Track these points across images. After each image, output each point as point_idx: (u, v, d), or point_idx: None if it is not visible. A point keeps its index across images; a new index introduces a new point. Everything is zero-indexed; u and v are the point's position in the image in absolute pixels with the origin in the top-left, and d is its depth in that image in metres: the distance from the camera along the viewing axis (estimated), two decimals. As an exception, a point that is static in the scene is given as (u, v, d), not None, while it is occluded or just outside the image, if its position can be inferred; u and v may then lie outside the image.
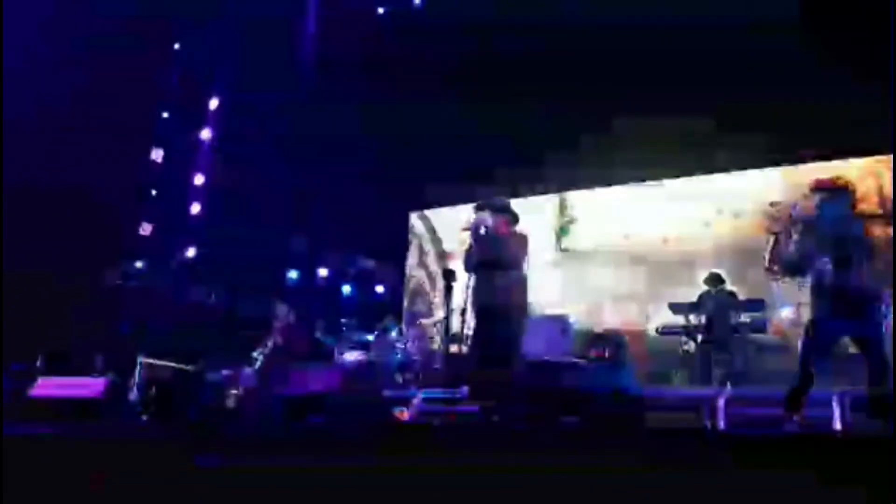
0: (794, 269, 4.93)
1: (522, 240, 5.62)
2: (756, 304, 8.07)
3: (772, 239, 4.93)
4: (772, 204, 5.26)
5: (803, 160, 8.47)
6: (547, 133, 9.06)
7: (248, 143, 9.57)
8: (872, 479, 2.48)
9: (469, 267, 5.59)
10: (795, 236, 4.85)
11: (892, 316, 6.12)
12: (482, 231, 5.55)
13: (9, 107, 8.30)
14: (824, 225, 4.75)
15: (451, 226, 10.27)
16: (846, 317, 4.61)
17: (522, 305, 5.53)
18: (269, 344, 7.19)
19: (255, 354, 7.17)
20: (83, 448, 3.76)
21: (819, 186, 4.90)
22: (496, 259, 5.47)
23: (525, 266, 5.62)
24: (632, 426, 4.47)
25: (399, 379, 8.08)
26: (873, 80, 7.33)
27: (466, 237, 5.63)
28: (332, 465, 3.14)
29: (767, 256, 4.94)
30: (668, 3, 8.08)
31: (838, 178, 5.04)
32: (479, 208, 5.66)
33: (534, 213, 9.12)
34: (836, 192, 4.83)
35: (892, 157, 8.30)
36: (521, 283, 5.55)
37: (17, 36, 8.50)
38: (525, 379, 5.07)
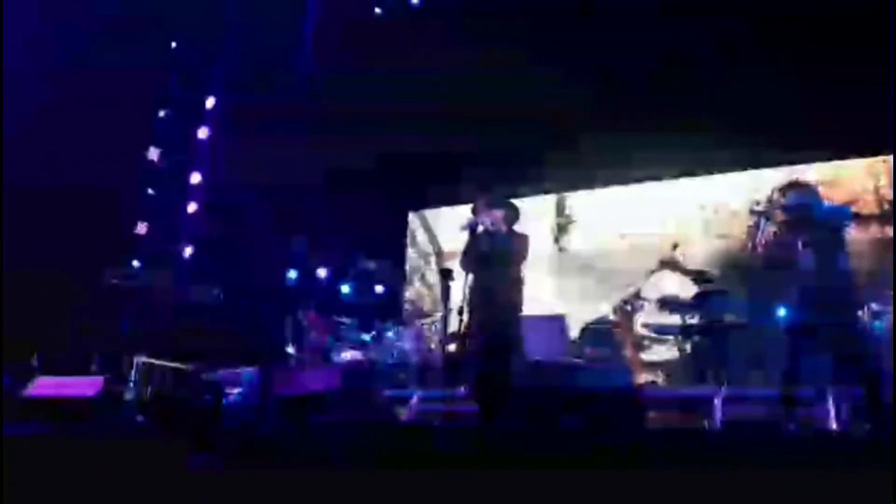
0: (776, 263, 5.06)
1: (522, 238, 5.63)
2: (753, 304, 8.05)
3: (754, 222, 5.10)
4: (757, 203, 5.45)
5: (803, 160, 8.46)
6: (547, 133, 9.05)
7: (248, 142, 9.54)
8: (872, 479, 2.47)
9: (467, 266, 5.59)
10: (776, 228, 4.98)
11: (891, 315, 6.13)
12: (481, 230, 5.55)
13: (8, 106, 8.28)
14: (808, 220, 4.85)
15: (451, 226, 10.27)
16: (827, 314, 4.67)
17: (521, 304, 5.53)
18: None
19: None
20: (81, 448, 3.76)
21: (796, 185, 5.10)
22: (495, 258, 5.48)
23: (524, 265, 5.62)
24: (632, 426, 4.46)
25: (399, 378, 8.06)
26: (873, 80, 7.33)
27: (466, 236, 5.63)
28: (332, 466, 3.13)
29: (754, 241, 5.09)
30: (668, 2, 8.07)
31: (807, 181, 5.32)
32: (478, 207, 5.67)
33: (532, 214, 9.12)
34: (811, 192, 5.02)
35: (892, 157, 8.30)
36: (520, 282, 5.56)
37: (16, 35, 8.48)
38: (525, 379, 5.06)
